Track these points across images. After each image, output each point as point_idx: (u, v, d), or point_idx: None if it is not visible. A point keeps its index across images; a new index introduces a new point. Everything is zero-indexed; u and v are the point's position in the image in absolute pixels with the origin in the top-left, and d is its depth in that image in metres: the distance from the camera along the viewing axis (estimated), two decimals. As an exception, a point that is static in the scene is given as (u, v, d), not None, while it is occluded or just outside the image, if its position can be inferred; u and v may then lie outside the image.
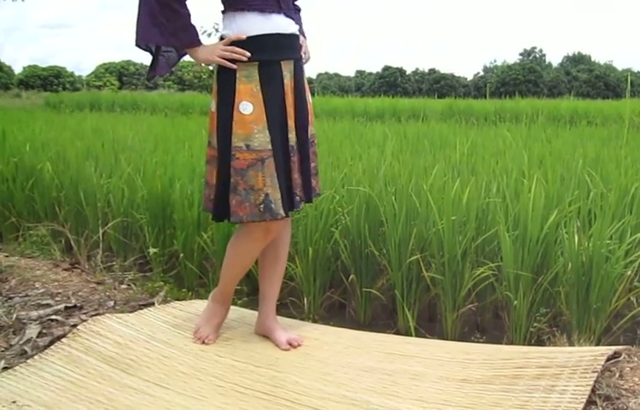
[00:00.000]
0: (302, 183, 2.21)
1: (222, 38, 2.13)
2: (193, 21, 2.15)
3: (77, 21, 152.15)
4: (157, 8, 2.08)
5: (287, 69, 2.13)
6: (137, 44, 2.16)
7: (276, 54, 2.11)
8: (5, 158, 5.05)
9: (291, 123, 2.14)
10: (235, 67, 2.06)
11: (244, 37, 2.06)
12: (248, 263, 2.33)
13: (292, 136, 2.14)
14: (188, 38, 2.15)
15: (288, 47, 2.15)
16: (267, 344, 2.30)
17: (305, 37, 2.34)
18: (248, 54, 2.05)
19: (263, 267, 2.35)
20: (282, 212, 2.08)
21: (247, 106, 2.05)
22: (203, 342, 2.28)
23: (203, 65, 2.30)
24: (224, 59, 2.08)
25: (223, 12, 2.15)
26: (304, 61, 2.27)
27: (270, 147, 2.06)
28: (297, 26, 2.21)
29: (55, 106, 20.05)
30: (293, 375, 2.04)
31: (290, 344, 2.25)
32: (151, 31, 2.11)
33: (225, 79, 2.10)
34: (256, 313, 2.43)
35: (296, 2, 2.34)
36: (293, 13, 2.23)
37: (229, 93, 2.08)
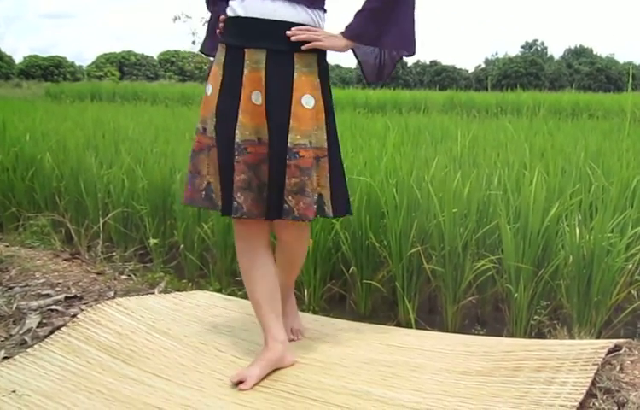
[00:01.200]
0: (267, 196, 1.92)
1: None
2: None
3: (78, 11, 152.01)
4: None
5: (251, 59, 1.89)
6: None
7: (238, 39, 1.92)
8: (5, 148, 5.05)
9: (244, 119, 1.88)
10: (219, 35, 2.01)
11: (223, 17, 1.99)
12: (248, 268, 2.03)
13: (240, 132, 1.88)
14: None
15: (257, 34, 1.89)
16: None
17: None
18: (221, 24, 1.99)
19: None
20: (221, 204, 1.97)
21: (209, 88, 1.97)
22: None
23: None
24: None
25: None
26: (311, 46, 1.92)
27: (213, 136, 1.95)
28: (289, 12, 1.89)
29: (56, 96, 20.02)
30: (293, 368, 2.03)
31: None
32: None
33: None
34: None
35: None
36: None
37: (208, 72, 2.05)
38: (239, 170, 1.88)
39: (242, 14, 1.91)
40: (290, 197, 1.89)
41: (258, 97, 1.89)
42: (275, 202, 1.91)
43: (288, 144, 1.89)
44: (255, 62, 1.89)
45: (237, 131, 1.88)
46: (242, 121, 1.88)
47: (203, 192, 1.97)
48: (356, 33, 2.00)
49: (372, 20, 1.98)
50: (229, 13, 1.94)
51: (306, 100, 1.91)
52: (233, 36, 1.93)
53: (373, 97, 16.14)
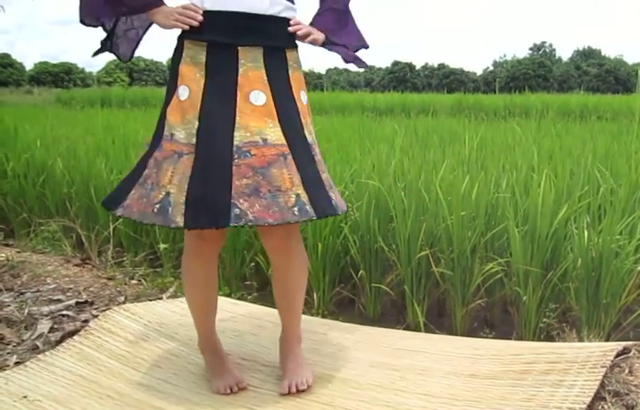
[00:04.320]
0: (312, 194, 1.75)
1: None
2: None
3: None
4: None
5: (248, 58, 1.77)
6: (82, 20, 1.83)
7: (231, 36, 1.76)
8: (17, 154, 5.09)
9: (243, 121, 1.73)
10: (186, 27, 1.75)
11: (200, 11, 1.75)
12: (198, 285, 1.92)
13: (240, 134, 1.72)
14: (137, 2, 1.81)
15: (254, 30, 1.78)
16: (275, 341, 2.30)
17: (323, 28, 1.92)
18: (200, 17, 1.74)
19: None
20: (178, 220, 1.68)
21: (185, 90, 1.75)
22: (239, 388, 1.92)
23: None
24: (179, 23, 1.77)
25: None
26: (309, 40, 1.87)
27: (193, 141, 1.72)
28: (283, 6, 1.81)
29: (66, 102, 20.16)
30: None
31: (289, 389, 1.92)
32: (99, 3, 1.81)
33: (174, 59, 1.81)
34: (265, 308, 2.42)
35: None
36: None
37: (174, 74, 1.80)
38: (240, 174, 1.70)
39: (233, 8, 1.75)
40: (331, 192, 1.86)
41: (258, 97, 1.77)
42: (320, 198, 1.79)
43: (308, 141, 1.83)
44: (252, 61, 1.78)
45: (237, 134, 1.72)
46: (240, 123, 1.73)
47: (157, 205, 1.71)
48: (326, 28, 1.94)
49: (337, 18, 1.97)
50: (208, 5, 1.76)
51: (303, 97, 1.88)
52: (221, 32, 1.76)
53: (381, 101, 16.15)
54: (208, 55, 1.76)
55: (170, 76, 1.84)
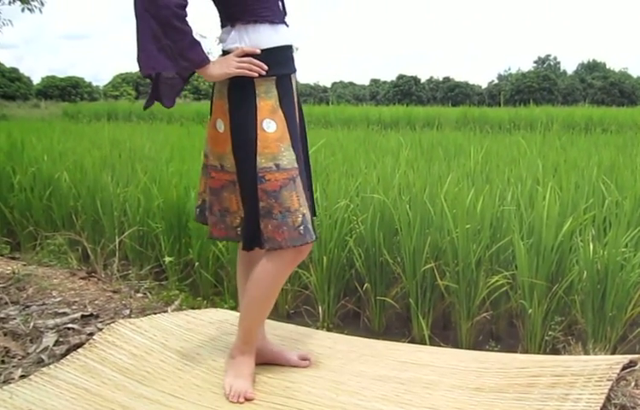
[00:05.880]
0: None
1: (225, 53, 1.96)
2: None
3: (95, 32, 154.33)
4: (160, 31, 1.85)
5: (294, 82, 2.03)
6: (146, 75, 1.91)
7: (288, 67, 2.00)
8: (23, 168, 5.12)
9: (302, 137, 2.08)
10: (256, 75, 1.89)
11: (258, 51, 1.90)
12: (276, 294, 2.09)
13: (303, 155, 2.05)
14: (197, 56, 1.90)
15: (293, 59, 2.04)
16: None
17: None
18: (266, 67, 1.90)
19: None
20: (314, 234, 1.95)
21: (271, 124, 1.90)
22: (245, 400, 1.97)
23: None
24: (245, 71, 1.89)
25: (228, 25, 1.97)
26: None
27: (296, 165, 1.92)
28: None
29: (73, 116, 20.26)
30: (306, 385, 2.04)
31: (304, 359, 2.22)
32: (158, 57, 1.87)
33: (242, 96, 1.92)
34: (271, 321, 2.42)
35: None
36: None
37: (248, 110, 1.91)
38: (306, 185, 2.04)
39: (284, 43, 1.97)
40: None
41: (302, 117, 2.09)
42: (312, 202, 2.11)
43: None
44: (295, 84, 2.04)
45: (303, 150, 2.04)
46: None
47: (301, 227, 1.91)
48: None
49: None
50: (268, 44, 1.92)
51: None
52: (283, 65, 1.98)
53: (386, 114, 16.18)
54: (277, 87, 1.94)
55: (240, 112, 1.93)
